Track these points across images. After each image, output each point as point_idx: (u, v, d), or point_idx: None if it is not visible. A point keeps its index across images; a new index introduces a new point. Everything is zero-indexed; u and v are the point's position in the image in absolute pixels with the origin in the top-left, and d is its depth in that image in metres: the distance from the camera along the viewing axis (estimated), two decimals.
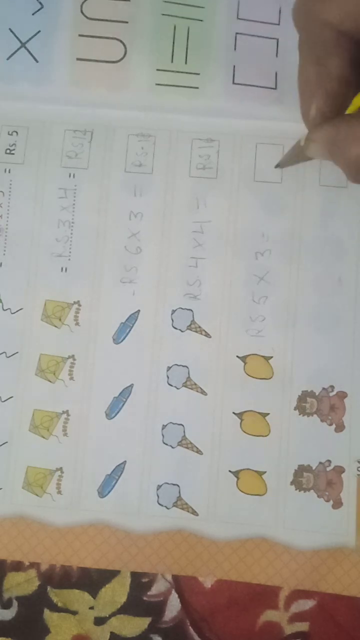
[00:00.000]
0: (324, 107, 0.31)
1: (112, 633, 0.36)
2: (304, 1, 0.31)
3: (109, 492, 0.37)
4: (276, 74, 0.39)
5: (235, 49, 0.39)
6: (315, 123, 0.32)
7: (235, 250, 0.38)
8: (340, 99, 0.31)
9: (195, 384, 0.37)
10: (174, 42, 0.39)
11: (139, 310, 0.38)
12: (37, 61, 0.39)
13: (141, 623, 0.36)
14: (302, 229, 0.38)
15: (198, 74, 0.39)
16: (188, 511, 0.36)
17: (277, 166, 0.38)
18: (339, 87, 0.30)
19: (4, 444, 0.37)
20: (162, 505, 0.36)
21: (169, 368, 0.38)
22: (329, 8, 0.29)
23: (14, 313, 0.38)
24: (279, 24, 0.40)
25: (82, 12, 0.39)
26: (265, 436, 0.37)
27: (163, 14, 0.39)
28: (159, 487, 0.37)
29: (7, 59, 0.39)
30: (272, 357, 0.37)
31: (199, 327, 0.38)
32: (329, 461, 0.36)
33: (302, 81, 0.33)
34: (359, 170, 0.30)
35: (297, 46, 0.32)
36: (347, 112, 0.31)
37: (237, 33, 0.39)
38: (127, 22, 0.39)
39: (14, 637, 0.36)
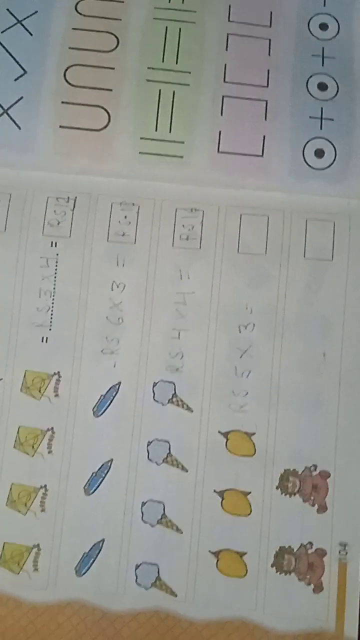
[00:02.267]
0: None
1: None
2: None
3: (86, 570, 0.36)
4: (264, 138, 0.38)
5: (222, 113, 0.39)
6: None
7: (218, 322, 0.38)
8: None
9: (176, 460, 0.37)
10: (158, 109, 0.39)
11: (119, 382, 0.37)
12: (19, 128, 0.39)
13: None
14: (286, 302, 0.37)
15: (182, 142, 0.38)
16: (167, 592, 0.36)
17: None
18: None
19: None
20: (140, 585, 0.36)
21: (149, 443, 0.37)
22: None
23: None
24: (267, 86, 0.39)
25: (65, 78, 0.39)
26: (246, 516, 0.36)
27: (148, 80, 0.39)
28: (138, 566, 0.36)
29: None
30: (254, 433, 0.37)
31: (181, 400, 0.37)
32: (311, 543, 0.36)
33: None
34: None
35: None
36: None
37: (224, 96, 0.39)
38: (111, 90, 0.39)
39: None
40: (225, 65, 0.40)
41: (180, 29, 0.40)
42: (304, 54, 0.39)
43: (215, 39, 0.40)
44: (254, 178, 0.38)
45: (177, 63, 0.39)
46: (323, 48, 0.39)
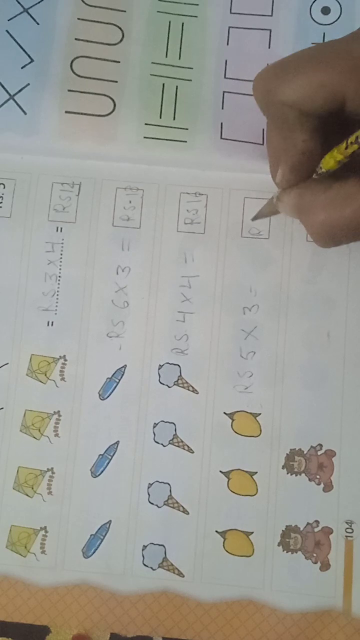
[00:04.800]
0: (289, 176, 0.32)
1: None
2: (263, 82, 0.31)
3: (93, 552, 0.36)
4: (263, 130, 0.39)
5: (222, 107, 0.39)
6: (281, 187, 0.33)
7: (222, 305, 0.38)
8: (305, 168, 0.32)
9: (182, 442, 0.37)
10: (162, 100, 0.39)
11: (125, 365, 0.38)
12: (25, 113, 0.39)
13: None
14: (289, 284, 0.38)
15: (186, 129, 0.39)
16: (174, 572, 0.36)
17: (253, 219, 0.38)
18: (303, 159, 0.31)
19: None
20: (147, 566, 0.36)
21: (155, 425, 0.37)
22: (288, 91, 0.30)
23: None
24: None
25: (71, 69, 0.39)
26: (253, 495, 0.36)
27: (152, 75, 0.40)
28: (145, 547, 0.36)
29: None
30: (260, 414, 0.37)
31: (186, 382, 0.37)
32: (317, 522, 0.36)
33: (269, 146, 0.34)
34: (322, 235, 0.31)
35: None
36: (324, 168, 0.31)
37: (224, 91, 0.39)
38: (116, 82, 0.39)
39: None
40: (226, 61, 0.40)
41: (183, 24, 0.41)
42: (303, 42, 0.40)
43: (216, 34, 0.40)
44: (257, 162, 0.38)
45: (179, 58, 0.40)
46: (324, 34, 0.40)
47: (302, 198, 0.32)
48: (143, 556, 0.36)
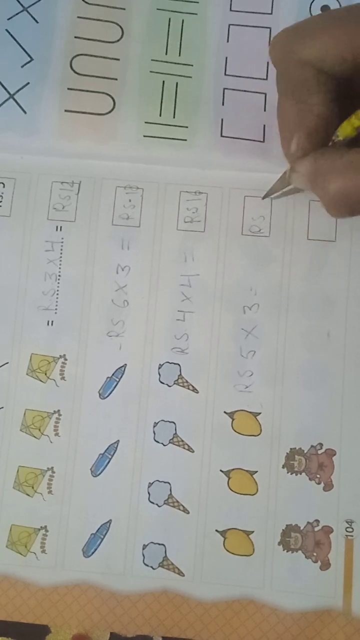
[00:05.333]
0: (305, 143, 0.31)
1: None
2: (283, 41, 0.31)
3: (93, 551, 0.36)
4: (264, 127, 0.39)
5: (223, 103, 0.39)
6: (296, 157, 0.32)
7: (223, 303, 0.38)
8: (321, 135, 0.31)
9: (182, 441, 0.37)
10: (162, 97, 0.39)
11: (125, 365, 0.38)
12: (25, 112, 0.39)
13: None
14: (290, 283, 0.38)
15: (186, 127, 0.39)
16: (174, 571, 0.36)
17: (264, 197, 0.38)
18: (319, 124, 0.31)
19: None
20: (147, 566, 0.36)
21: (155, 424, 0.37)
22: (309, 48, 0.30)
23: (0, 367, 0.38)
24: (266, 79, 0.40)
25: (71, 67, 0.39)
26: (253, 495, 0.36)
27: (152, 72, 0.39)
28: (145, 546, 0.36)
29: None
30: (260, 413, 0.37)
31: (187, 381, 0.37)
32: (317, 521, 0.36)
33: (281, 117, 0.33)
34: (337, 203, 0.31)
35: (275, 82, 0.33)
36: (341, 136, 0.31)
37: (225, 88, 0.39)
38: (116, 79, 0.39)
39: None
40: (226, 58, 0.40)
41: (182, 21, 0.40)
42: None
43: (216, 31, 0.40)
44: (257, 161, 0.38)
45: (179, 55, 0.40)
46: None
47: (317, 164, 0.31)
48: (143, 555, 0.36)
